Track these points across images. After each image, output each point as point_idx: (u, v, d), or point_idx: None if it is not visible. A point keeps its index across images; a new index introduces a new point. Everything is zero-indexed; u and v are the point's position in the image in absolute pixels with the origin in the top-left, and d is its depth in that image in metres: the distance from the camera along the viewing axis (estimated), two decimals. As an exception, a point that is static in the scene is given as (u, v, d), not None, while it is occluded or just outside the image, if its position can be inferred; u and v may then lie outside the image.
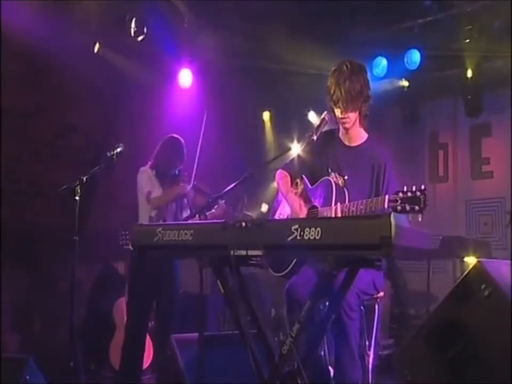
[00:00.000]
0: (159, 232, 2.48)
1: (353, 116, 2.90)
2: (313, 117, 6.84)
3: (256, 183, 6.21)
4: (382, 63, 5.95)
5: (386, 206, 2.44)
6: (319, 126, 2.88)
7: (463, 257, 5.58)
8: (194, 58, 6.20)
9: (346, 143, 3.03)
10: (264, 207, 7.39)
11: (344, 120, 2.89)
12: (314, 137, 2.81)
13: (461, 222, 6.39)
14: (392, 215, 1.98)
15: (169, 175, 4.09)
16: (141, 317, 3.88)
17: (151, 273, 3.86)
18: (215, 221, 2.49)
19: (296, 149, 3.28)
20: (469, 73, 5.69)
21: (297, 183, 3.15)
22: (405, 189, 2.37)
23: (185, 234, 2.42)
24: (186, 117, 6.13)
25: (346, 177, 2.93)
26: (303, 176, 3.12)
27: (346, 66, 2.86)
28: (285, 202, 3.08)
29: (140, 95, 5.97)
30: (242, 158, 7.13)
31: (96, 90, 5.70)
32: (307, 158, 3.09)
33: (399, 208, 2.34)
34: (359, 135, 3.00)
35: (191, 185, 4.10)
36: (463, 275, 2.34)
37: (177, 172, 4.16)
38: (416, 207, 2.30)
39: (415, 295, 6.05)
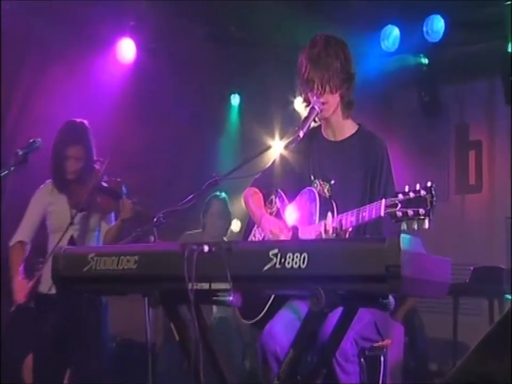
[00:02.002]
0: (92, 258, 2.57)
1: (332, 101, 3.04)
2: (300, 106, 7.14)
3: (224, 191, 6.38)
4: (393, 33, 6.17)
5: (383, 213, 2.56)
6: (307, 118, 3.02)
7: (502, 295, 5.66)
8: (139, 23, 6.33)
9: (330, 138, 3.19)
10: (235, 225, 7.50)
11: (321, 107, 3.04)
12: (301, 134, 2.94)
13: (500, 247, 6.32)
14: (401, 237, 2.09)
15: (74, 176, 4.07)
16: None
17: (65, 320, 3.81)
18: (168, 243, 2.58)
19: (278, 147, 3.40)
20: (510, 47, 5.82)
21: (271, 200, 3.30)
22: (406, 189, 2.51)
23: (128, 261, 2.51)
24: (125, 101, 6.29)
25: (333, 182, 3.08)
26: (279, 190, 3.27)
27: (320, 38, 3.05)
28: (263, 224, 3.18)
29: (58, 69, 6.03)
30: (204, 158, 7.31)
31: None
32: (286, 165, 3.23)
33: (399, 214, 2.46)
34: (345, 127, 3.15)
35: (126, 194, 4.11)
36: (502, 319, 2.39)
37: (84, 172, 4.10)
38: (421, 210, 2.42)
39: (437, 344, 6.18)
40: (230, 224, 6.01)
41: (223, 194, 5.86)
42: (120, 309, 4.36)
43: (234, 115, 7.72)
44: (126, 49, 6.46)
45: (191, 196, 2.86)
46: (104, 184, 4.10)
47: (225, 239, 5.71)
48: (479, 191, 6.84)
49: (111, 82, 6.34)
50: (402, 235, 2.10)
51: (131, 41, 6.44)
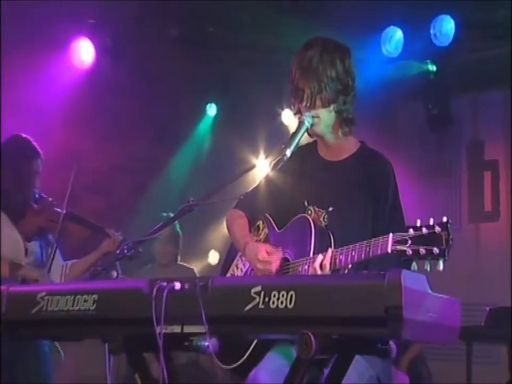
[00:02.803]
0: (42, 298, 2.58)
1: (325, 115, 3.08)
2: (289, 118, 6.98)
3: (200, 219, 6.39)
4: (395, 36, 6.30)
5: (390, 249, 2.61)
6: (295, 134, 3.07)
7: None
8: (100, 22, 6.40)
9: (327, 157, 3.23)
10: (213, 257, 7.54)
11: (312, 121, 3.08)
12: (288, 153, 2.98)
13: (520, 285, 6.53)
14: (403, 273, 2.14)
15: (22, 203, 4.10)
16: None
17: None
18: (133, 280, 2.60)
19: (262, 167, 3.45)
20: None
21: (258, 226, 3.33)
22: (418, 223, 2.53)
23: (85, 301, 2.53)
24: (81, 112, 6.31)
25: (330, 209, 3.12)
26: (267, 216, 3.30)
27: (317, 41, 3.09)
28: (248, 252, 3.21)
29: (5, 74, 6.05)
30: (175, 179, 7.32)
31: None
32: (274, 187, 3.26)
33: (409, 252, 2.50)
34: (344, 145, 3.19)
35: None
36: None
37: (36, 195, 4.20)
38: (435, 249, 2.46)
39: (448, 396, 6.24)
40: (178, 249, 6.07)
41: (170, 215, 5.93)
42: (74, 357, 4.35)
43: (210, 128, 7.84)
44: (84, 51, 6.50)
45: (161, 224, 2.89)
46: (76, 213, 4.14)
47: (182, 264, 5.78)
48: (496, 219, 6.92)
49: (65, 90, 6.37)
50: (404, 271, 2.15)
51: (89, 42, 6.48)
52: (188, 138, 7.69)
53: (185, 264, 6.35)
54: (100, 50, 6.57)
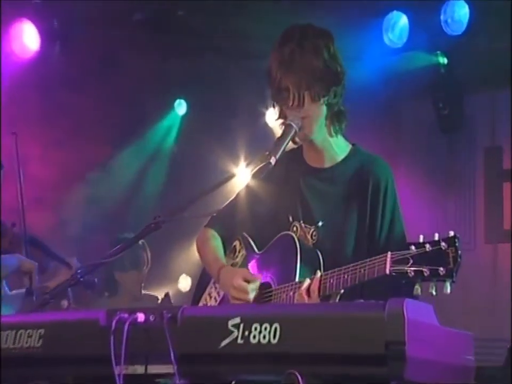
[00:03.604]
0: (-23, 334, 2.57)
1: (316, 113, 3.12)
2: (273, 119, 7.18)
3: (168, 238, 6.35)
4: (399, 22, 6.37)
5: (388, 271, 2.64)
6: (281, 138, 3.10)
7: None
8: (47, 2, 6.36)
9: (315, 164, 3.27)
10: (184, 282, 7.54)
11: (301, 124, 3.10)
12: (273, 160, 3.02)
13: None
14: (406, 303, 2.16)
15: None
16: None
17: None
18: (87, 311, 2.60)
19: (243, 176, 3.46)
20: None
21: (234, 248, 3.36)
22: (421, 239, 2.58)
23: (30, 337, 2.53)
24: (24, 107, 6.21)
25: (320, 224, 3.15)
26: (246, 235, 3.33)
27: (293, 30, 3.13)
28: (223, 279, 3.22)
29: None
30: (137, 191, 7.29)
31: None
32: (254, 200, 3.30)
33: (410, 273, 2.55)
34: (334, 148, 3.23)
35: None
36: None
37: None
38: (441, 269, 2.50)
39: None
40: (143, 274, 6.07)
41: (132, 234, 5.93)
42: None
43: (179, 130, 7.85)
44: (27, 36, 6.44)
45: (121, 245, 2.89)
46: (36, 237, 4.17)
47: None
48: (517, 238, 6.96)
49: (4, 83, 6.29)
50: (407, 300, 2.17)
51: (33, 26, 6.44)
52: (152, 141, 7.70)
53: (150, 293, 6.34)
54: (47, 35, 6.54)
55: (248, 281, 3.10)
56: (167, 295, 6.26)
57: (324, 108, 3.12)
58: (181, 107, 7.82)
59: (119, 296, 5.99)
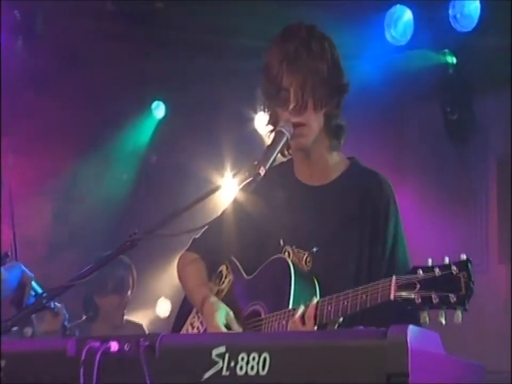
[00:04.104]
0: None
1: (315, 122, 3.15)
2: (263, 125, 7.11)
3: (145, 257, 6.30)
4: (403, 17, 6.41)
5: (392, 297, 2.67)
6: (271, 146, 3.11)
7: None
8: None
9: (308, 181, 3.29)
10: (162, 306, 7.57)
11: (299, 131, 3.12)
12: (262, 171, 3.01)
13: None
14: (409, 330, 2.17)
15: None
16: None
17: None
18: (53, 339, 2.59)
19: (230, 189, 3.47)
20: None
21: (220, 273, 3.39)
22: (430, 262, 2.60)
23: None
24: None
25: (315, 250, 3.17)
26: (233, 259, 3.36)
27: (300, 28, 3.17)
28: (207, 312, 3.24)
29: None
30: (110, 205, 7.27)
31: None
32: (243, 218, 3.31)
33: (417, 299, 2.56)
34: (330, 164, 3.26)
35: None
36: None
37: None
38: (452, 296, 2.52)
39: None
40: (126, 300, 6.05)
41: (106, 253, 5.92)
42: None
43: (156, 135, 7.88)
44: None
45: (92, 265, 2.90)
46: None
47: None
48: (535, 258, 6.96)
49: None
50: (410, 327, 2.18)
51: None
52: (126, 148, 7.72)
53: (133, 320, 6.35)
54: (7, 28, 6.52)
55: (229, 326, 3.14)
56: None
57: (322, 120, 3.16)
58: (158, 109, 7.86)
59: (98, 322, 5.98)
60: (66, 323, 4.73)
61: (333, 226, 3.19)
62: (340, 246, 3.15)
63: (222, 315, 3.16)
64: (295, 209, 3.27)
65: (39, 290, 4.06)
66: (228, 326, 3.15)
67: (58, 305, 4.47)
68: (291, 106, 3.10)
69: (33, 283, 3.86)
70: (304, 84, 3.08)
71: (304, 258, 3.18)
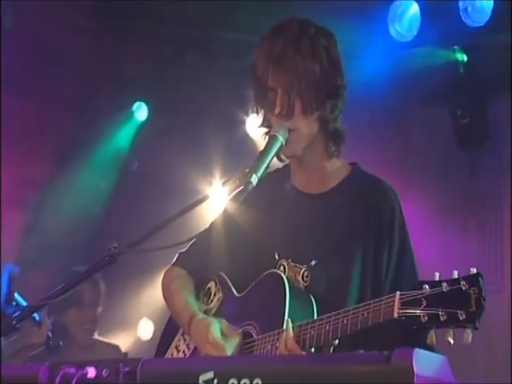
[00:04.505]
0: None
1: (306, 127, 3.14)
2: (255, 128, 7.10)
3: (126, 273, 6.28)
4: (409, 11, 6.41)
5: (396, 314, 2.67)
6: (263, 152, 3.10)
7: None
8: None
9: (305, 189, 3.30)
10: (144, 328, 7.50)
11: (288, 136, 3.09)
12: (254, 179, 3.01)
13: None
14: (415, 354, 2.16)
15: None
16: None
17: None
18: (22, 366, 2.59)
19: (218, 199, 3.47)
20: None
21: (208, 290, 3.39)
22: (437, 277, 2.61)
23: None
24: None
25: (313, 263, 3.17)
26: (222, 275, 3.36)
27: (291, 23, 3.16)
28: (195, 331, 3.24)
29: None
30: (90, 215, 7.26)
31: None
32: (234, 230, 3.32)
33: (423, 317, 2.57)
34: (329, 170, 3.26)
35: None
36: None
37: None
38: (461, 313, 2.52)
39: None
40: (89, 314, 6.06)
41: (83, 269, 5.93)
42: None
43: (139, 140, 7.84)
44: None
45: (67, 283, 2.90)
46: None
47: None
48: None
49: None
50: (416, 350, 2.18)
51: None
52: (105, 154, 7.71)
53: (106, 341, 6.35)
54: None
55: (226, 336, 3.13)
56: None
57: (316, 125, 3.15)
58: (140, 111, 7.84)
59: (64, 342, 5.96)
60: (50, 334, 4.74)
61: (333, 237, 3.20)
62: (341, 259, 3.15)
63: (216, 327, 3.15)
64: (291, 219, 3.28)
65: (23, 302, 4.09)
66: (224, 339, 3.13)
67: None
68: (277, 111, 3.10)
69: (17, 295, 3.88)
70: (290, 86, 3.08)
71: (301, 272, 3.19)
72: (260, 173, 3.03)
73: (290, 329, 2.94)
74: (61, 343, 5.01)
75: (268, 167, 3.10)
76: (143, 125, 7.85)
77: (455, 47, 6.57)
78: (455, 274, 2.58)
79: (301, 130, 3.14)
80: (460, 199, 7.22)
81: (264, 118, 3.25)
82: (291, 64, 3.09)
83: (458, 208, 7.18)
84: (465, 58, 6.59)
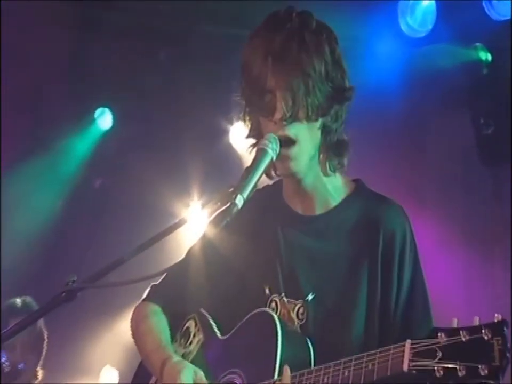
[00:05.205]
0: None
1: (308, 136, 3.13)
2: (239, 139, 7.10)
3: (87, 312, 6.27)
4: (423, 1, 6.44)
5: (406, 367, 2.66)
6: (251, 168, 3.09)
7: None
8: None
9: (301, 210, 3.30)
10: (108, 377, 7.38)
11: (286, 151, 3.08)
12: (240, 200, 2.99)
13: None
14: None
15: None
16: None
17: None
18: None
19: (197, 222, 3.47)
20: None
21: (187, 330, 3.39)
22: (454, 323, 2.61)
23: None
24: None
25: (310, 298, 3.18)
26: (203, 312, 3.36)
27: (290, 14, 3.15)
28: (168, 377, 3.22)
29: None
30: (44, 239, 7.22)
31: None
32: (216, 261, 3.33)
33: (439, 371, 2.56)
34: (329, 188, 3.26)
35: None
36: None
37: None
38: (482, 368, 2.52)
39: None
40: (39, 361, 6.08)
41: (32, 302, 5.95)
42: None
43: (102, 151, 7.86)
44: None
45: (15, 325, 2.88)
46: None
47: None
48: None
49: None
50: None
51: None
52: (62, 168, 7.73)
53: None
54: None
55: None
56: None
57: (319, 134, 3.16)
58: (104, 118, 7.88)
59: None
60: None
61: (333, 266, 3.20)
62: (342, 293, 3.16)
63: (188, 375, 3.13)
64: (285, 246, 3.28)
65: None
66: None
67: None
68: (277, 115, 3.08)
69: None
70: (293, 87, 3.07)
71: (296, 309, 3.19)
72: (246, 194, 3.00)
73: (288, 378, 2.95)
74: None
75: (255, 186, 3.07)
76: (107, 134, 7.88)
77: (477, 44, 6.60)
78: (476, 320, 2.59)
79: (304, 141, 3.13)
80: (482, 223, 7.21)
81: (252, 127, 3.24)
82: (294, 62, 3.08)
83: (481, 233, 7.17)
84: (489, 57, 6.62)
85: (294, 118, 3.08)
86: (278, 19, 3.17)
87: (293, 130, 3.10)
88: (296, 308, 3.19)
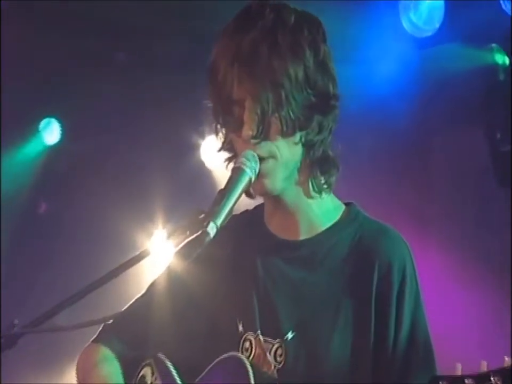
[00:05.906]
0: None
1: (287, 152, 3.13)
2: (212, 156, 7.18)
3: (28, 359, 6.28)
4: (427, -1, 6.53)
5: None
6: (226, 190, 3.08)
7: None
8: None
9: (280, 233, 3.33)
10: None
11: (262, 167, 3.10)
12: (212, 229, 2.99)
13: None
14: None
15: None
16: None
17: None
18: None
19: (161, 255, 3.49)
20: None
21: (143, 378, 3.38)
22: (458, 369, 2.62)
23: None
24: None
25: (290, 337, 3.19)
26: (161, 357, 3.35)
27: (262, 10, 3.14)
28: None
29: None
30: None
31: None
32: (180, 297, 3.35)
33: None
34: (315, 212, 3.29)
35: None
36: None
37: None
38: None
39: None
40: None
41: None
42: None
43: (46, 170, 7.90)
44: None
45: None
46: None
47: None
48: None
49: None
50: None
51: None
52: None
53: None
54: None
55: None
56: None
57: (299, 149, 3.17)
58: (49, 131, 7.93)
59: None
60: None
61: (318, 302, 3.22)
62: (328, 332, 3.18)
63: None
64: (264, 277, 3.30)
65: None
66: None
67: None
68: (245, 132, 3.09)
69: None
70: (265, 96, 3.07)
71: (274, 350, 3.21)
72: (219, 220, 3.00)
73: None
74: None
75: (231, 211, 3.06)
76: (53, 150, 7.91)
77: (493, 45, 6.65)
78: (484, 365, 2.59)
79: (280, 157, 3.13)
80: (497, 254, 7.21)
81: (225, 140, 3.25)
82: (265, 67, 3.08)
83: (495, 266, 7.17)
84: (506, 61, 6.65)
85: (264, 137, 3.08)
86: (248, 15, 3.17)
87: (265, 149, 3.11)
88: (273, 348, 3.21)
